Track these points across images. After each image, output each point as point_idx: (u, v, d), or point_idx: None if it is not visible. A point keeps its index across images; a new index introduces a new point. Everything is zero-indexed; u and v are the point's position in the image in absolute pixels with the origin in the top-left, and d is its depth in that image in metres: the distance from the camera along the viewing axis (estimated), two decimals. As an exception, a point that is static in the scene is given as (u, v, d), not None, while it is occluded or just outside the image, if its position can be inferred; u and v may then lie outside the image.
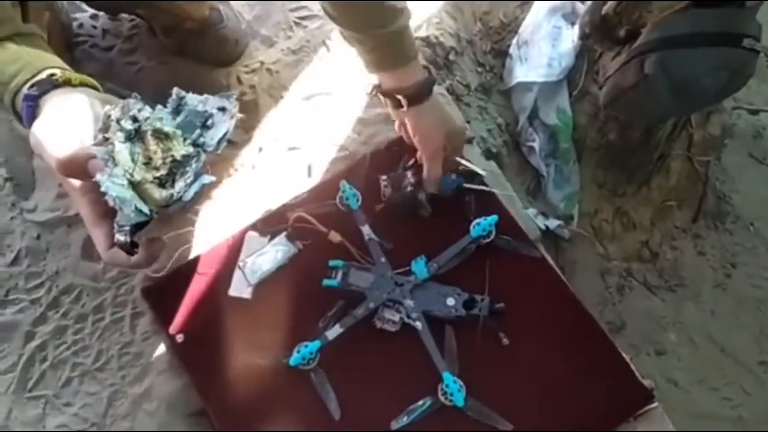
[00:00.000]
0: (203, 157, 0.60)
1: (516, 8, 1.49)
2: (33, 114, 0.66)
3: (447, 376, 0.99)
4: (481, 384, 1.00)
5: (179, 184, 0.59)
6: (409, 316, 1.03)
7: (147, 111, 0.59)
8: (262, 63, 1.29)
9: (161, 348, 1.07)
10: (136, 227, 0.61)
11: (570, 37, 1.42)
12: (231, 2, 1.31)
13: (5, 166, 1.19)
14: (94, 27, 1.30)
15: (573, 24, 1.42)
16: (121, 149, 0.57)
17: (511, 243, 1.10)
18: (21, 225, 1.16)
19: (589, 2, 1.37)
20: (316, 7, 1.35)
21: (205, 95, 0.63)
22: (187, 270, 1.09)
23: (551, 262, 1.14)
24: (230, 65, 1.29)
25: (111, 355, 1.07)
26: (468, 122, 1.33)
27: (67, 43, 1.26)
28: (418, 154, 1.09)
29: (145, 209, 0.57)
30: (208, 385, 1.02)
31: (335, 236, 1.08)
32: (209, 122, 0.62)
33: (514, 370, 1.03)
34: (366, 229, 1.07)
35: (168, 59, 1.28)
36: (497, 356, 1.03)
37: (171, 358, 1.05)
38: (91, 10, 1.29)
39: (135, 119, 0.58)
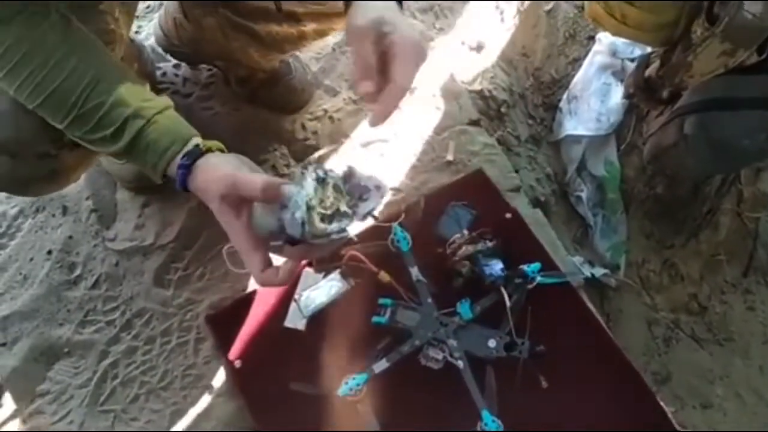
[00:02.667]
0: (352, 221, 0.76)
1: (567, 65, 1.56)
2: (185, 179, 0.80)
3: (486, 415, 1.03)
4: (519, 424, 1.04)
5: (333, 226, 0.74)
6: (452, 355, 1.08)
7: (335, 173, 0.77)
8: (325, 111, 1.39)
9: (221, 372, 1.15)
10: (289, 240, 0.75)
11: (619, 93, 1.47)
12: (299, 55, 1.43)
13: (92, 199, 1.32)
14: (176, 75, 1.43)
15: (622, 81, 1.48)
16: (310, 182, 0.74)
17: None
18: (102, 252, 1.27)
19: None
20: (378, 61, 1.45)
21: (369, 174, 0.79)
22: (246, 301, 1.18)
23: (593, 309, 1.18)
24: (296, 113, 1.40)
25: (175, 376, 1.16)
26: (517, 171, 1.39)
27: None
28: None
29: (306, 226, 0.72)
30: (261, 408, 1.09)
31: (385, 276, 1.15)
32: (364, 196, 0.78)
33: (551, 411, 1.07)
34: (414, 271, 1.14)
35: (240, 106, 1.40)
36: (536, 398, 1.07)
37: (229, 382, 1.13)
38: (175, 61, 1.42)
39: (326, 172, 0.75)
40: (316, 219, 0.73)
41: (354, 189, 0.78)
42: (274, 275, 0.77)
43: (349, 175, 0.79)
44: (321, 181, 0.75)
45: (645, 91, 1.24)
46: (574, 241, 1.59)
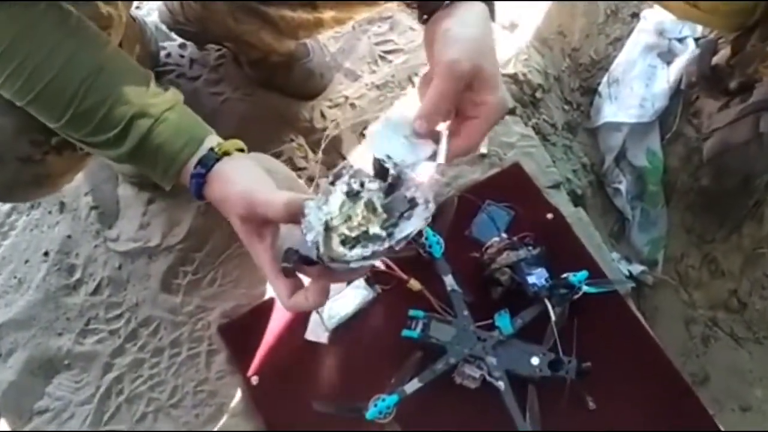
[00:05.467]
0: (386, 244, 0.64)
1: (608, 45, 1.44)
2: (201, 189, 0.72)
3: (528, 440, 0.94)
4: (565, 450, 0.95)
5: (355, 252, 0.63)
6: (491, 374, 0.98)
7: (375, 185, 0.65)
8: (346, 98, 1.27)
9: (236, 388, 1.06)
10: (303, 260, 0.66)
11: (665, 77, 1.35)
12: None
13: (91, 194, 1.21)
14: (182, 56, 1.31)
15: (669, 63, 1.36)
16: (337, 196, 0.63)
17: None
18: (104, 254, 1.17)
19: (692, 46, 1.30)
20: (402, 41, 1.33)
21: (419, 179, 0.66)
22: (264, 309, 1.08)
23: (643, 321, 1.08)
24: (314, 99, 1.28)
25: (186, 392, 1.07)
26: (554, 162, 1.28)
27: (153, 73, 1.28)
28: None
29: (320, 248, 0.62)
30: (280, 429, 1.01)
31: (415, 284, 1.04)
32: (407, 213, 0.65)
33: (600, 436, 0.98)
34: (449, 280, 1.04)
35: (252, 91, 1.28)
36: (583, 421, 0.98)
37: (245, 400, 1.04)
38: (180, 40, 1.31)
39: (362, 184, 0.64)
40: (335, 241, 0.63)
41: (397, 203, 0.65)
42: (303, 300, 0.68)
43: (396, 183, 0.66)
44: (353, 195, 0.64)
45: (711, 81, 1.12)
46: (610, 235, 1.49)
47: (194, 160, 0.72)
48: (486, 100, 0.71)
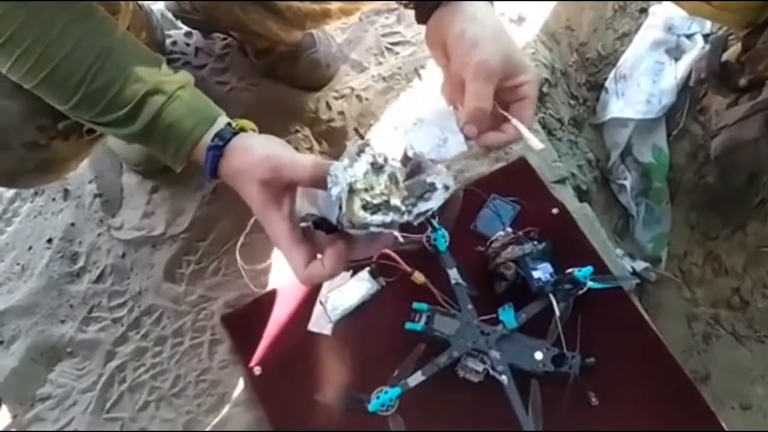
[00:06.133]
0: (403, 218, 0.65)
1: (615, 41, 1.43)
2: (216, 163, 0.70)
3: (531, 435, 0.94)
4: (567, 445, 0.95)
5: (375, 217, 0.64)
6: (494, 368, 0.98)
7: (397, 162, 0.67)
8: (352, 89, 1.26)
9: (238, 379, 1.06)
10: (322, 222, 0.66)
11: (672, 73, 1.34)
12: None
13: (95, 182, 1.21)
14: (188, 45, 1.31)
15: (677, 60, 1.35)
16: (362, 165, 0.64)
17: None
18: (107, 242, 1.17)
19: (701, 42, 1.30)
20: (409, 33, 1.32)
21: (440, 166, 0.68)
22: (266, 300, 1.08)
23: (647, 318, 1.08)
24: (320, 90, 1.27)
25: (188, 382, 1.07)
26: (559, 157, 1.27)
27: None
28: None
29: (343, 206, 0.62)
30: (283, 421, 1.01)
31: (419, 277, 1.04)
32: (426, 195, 0.66)
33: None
34: (453, 273, 1.03)
35: (258, 81, 1.28)
36: (585, 416, 0.98)
37: (247, 390, 1.04)
38: (186, 28, 1.30)
39: (386, 159, 0.65)
40: (357, 204, 0.63)
41: (416, 186, 0.66)
42: (319, 268, 0.67)
43: (417, 167, 0.67)
44: (377, 168, 0.65)
45: (720, 78, 1.11)
46: (614, 231, 1.49)
47: (207, 138, 0.71)
48: (525, 80, 0.71)
